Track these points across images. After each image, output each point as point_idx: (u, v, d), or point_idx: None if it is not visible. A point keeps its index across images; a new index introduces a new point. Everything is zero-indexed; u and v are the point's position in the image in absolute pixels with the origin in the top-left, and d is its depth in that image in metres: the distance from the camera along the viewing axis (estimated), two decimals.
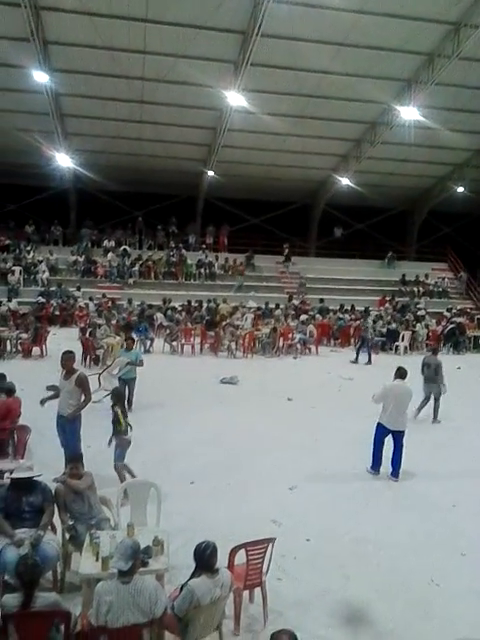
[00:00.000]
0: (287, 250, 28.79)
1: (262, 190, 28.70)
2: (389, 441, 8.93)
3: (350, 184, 27.47)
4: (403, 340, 20.73)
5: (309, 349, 19.57)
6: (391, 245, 31.07)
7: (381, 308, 25.37)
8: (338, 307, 23.63)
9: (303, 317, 21.14)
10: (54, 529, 5.81)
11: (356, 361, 18.20)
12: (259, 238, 29.48)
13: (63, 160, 25.24)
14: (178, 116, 23.17)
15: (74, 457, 6.33)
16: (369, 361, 18.19)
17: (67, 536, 5.68)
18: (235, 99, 20.33)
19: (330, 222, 31.06)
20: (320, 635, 5.10)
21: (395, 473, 8.83)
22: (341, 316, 22.70)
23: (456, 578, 6.15)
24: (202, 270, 26.85)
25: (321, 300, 24.62)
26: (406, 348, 20.57)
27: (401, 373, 9.04)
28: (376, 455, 8.94)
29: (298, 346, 19.26)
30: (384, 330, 21.27)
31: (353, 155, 26.68)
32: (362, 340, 18.87)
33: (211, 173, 27.10)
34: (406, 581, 6.04)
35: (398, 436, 8.82)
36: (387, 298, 26.63)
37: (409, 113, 20.72)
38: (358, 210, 30.67)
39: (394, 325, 21.57)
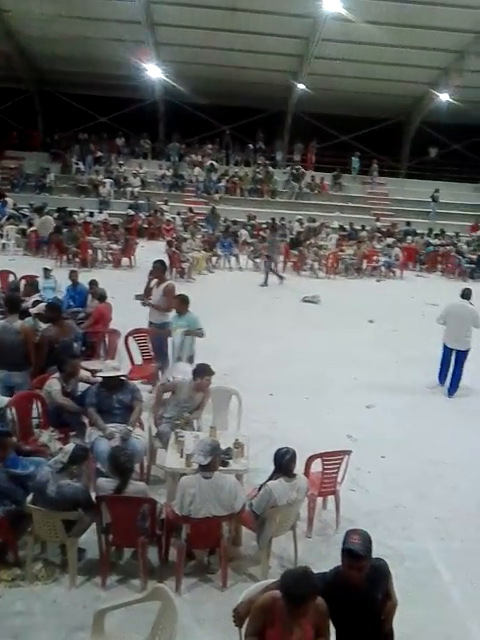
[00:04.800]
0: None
1: (353, 105, 27.24)
2: None
3: (450, 100, 25.54)
4: None
5: (394, 272, 19.12)
6: None
7: (473, 234, 24.18)
8: (427, 231, 22.72)
9: (389, 240, 20.55)
10: (142, 426, 6.19)
11: (265, 283, 16.14)
12: (348, 157, 28.31)
13: (153, 71, 24.87)
14: (270, 24, 22.05)
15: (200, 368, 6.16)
16: (280, 278, 16.45)
17: (154, 433, 6.05)
18: (331, 5, 19.04)
19: (424, 141, 29.20)
20: (391, 546, 5.26)
21: (450, 391, 9.06)
22: (430, 241, 21.86)
23: None
24: (288, 188, 26.37)
25: (408, 223, 23.67)
26: None
27: (464, 293, 9.22)
28: (442, 370, 9.24)
29: (382, 269, 18.86)
30: (474, 257, 20.34)
31: (455, 68, 24.64)
32: (268, 259, 16.48)
33: (301, 86, 25.93)
34: None
35: (458, 355, 8.96)
36: None
37: None
38: (456, 129, 28.48)
39: None
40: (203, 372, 6.03)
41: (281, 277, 16.55)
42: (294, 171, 26.71)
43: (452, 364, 9.11)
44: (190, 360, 7.62)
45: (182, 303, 7.78)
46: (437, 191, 26.56)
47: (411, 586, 4.70)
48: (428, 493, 6.25)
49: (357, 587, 3.37)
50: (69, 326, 7.50)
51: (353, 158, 27.95)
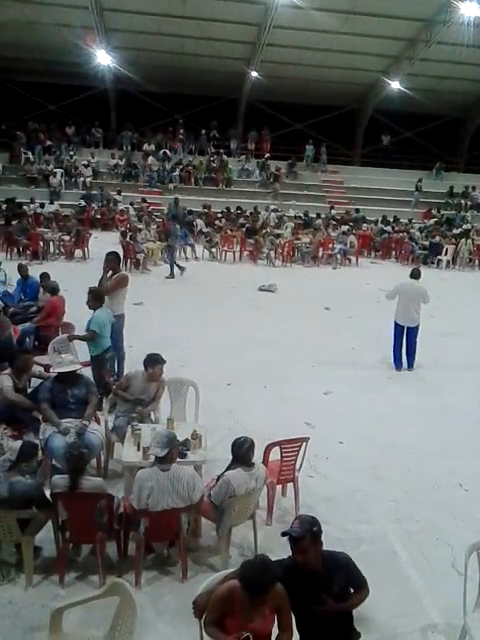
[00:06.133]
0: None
1: (307, 93, 27.36)
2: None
3: (401, 88, 25.88)
4: (446, 254, 20.22)
5: (349, 260, 19.31)
6: (441, 155, 29.67)
7: (426, 221, 24.61)
8: (380, 218, 23.02)
9: (344, 227, 20.73)
10: (98, 420, 6.10)
11: (171, 275, 15.35)
12: (303, 145, 28.38)
13: (103, 58, 24.38)
14: (221, 11, 21.93)
15: (150, 358, 6.02)
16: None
17: (110, 426, 5.97)
18: None
19: (377, 129, 29.56)
20: (348, 529, 5.34)
21: (410, 364, 9.56)
22: (384, 228, 22.15)
23: None
24: (243, 177, 26.39)
25: (357, 210, 23.89)
26: (449, 262, 20.11)
27: (414, 273, 9.67)
28: (395, 351, 9.61)
29: (338, 256, 19.03)
30: (427, 243, 20.72)
31: (405, 56, 24.99)
32: (170, 250, 15.96)
33: (255, 74, 25.88)
34: (435, 484, 6.23)
35: (410, 331, 9.44)
36: (433, 211, 25.77)
37: (470, 9, 19.07)
38: (408, 117, 29.05)
39: (437, 238, 20.96)
40: (154, 362, 5.95)
41: (181, 268, 15.59)
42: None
43: (405, 341, 9.52)
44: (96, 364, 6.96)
45: (93, 298, 7.11)
46: (420, 181, 27.21)
47: (369, 568, 4.68)
48: (384, 476, 6.34)
49: (312, 572, 3.42)
50: (4, 322, 7.34)
51: (307, 147, 28.01)
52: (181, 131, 27.28)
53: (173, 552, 4.91)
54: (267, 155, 27.20)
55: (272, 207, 23.11)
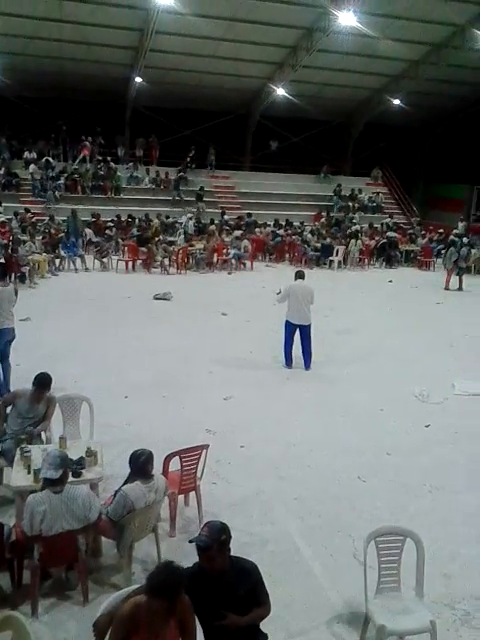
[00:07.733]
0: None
1: (195, 99, 27.38)
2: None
3: (286, 94, 26.60)
4: (337, 255, 20.93)
5: (244, 264, 19.53)
6: (327, 159, 30.72)
7: (316, 223, 25.36)
8: (272, 222, 23.47)
9: (237, 232, 20.94)
10: None
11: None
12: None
13: None
14: (101, 15, 21.46)
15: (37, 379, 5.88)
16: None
17: None
18: None
19: (266, 135, 30.16)
20: (253, 532, 5.34)
21: (306, 364, 9.78)
22: (277, 231, 22.59)
23: (380, 475, 6.51)
24: (133, 184, 25.96)
25: (249, 215, 24.16)
26: (340, 263, 20.82)
27: (300, 274, 9.99)
28: (286, 350, 9.87)
29: (233, 262, 19.18)
30: (319, 245, 21.34)
31: (289, 63, 25.64)
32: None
33: (139, 80, 25.63)
34: (335, 479, 6.37)
35: (304, 330, 9.71)
36: (322, 213, 26.62)
37: (346, 18, 19.90)
38: (294, 122, 29.80)
39: (328, 240, 21.66)
40: (40, 383, 5.76)
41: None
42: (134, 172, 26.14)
43: (299, 341, 9.79)
44: None
45: None
46: (339, 185, 27.93)
47: (275, 568, 4.79)
48: (286, 476, 6.41)
49: (219, 577, 3.39)
50: None
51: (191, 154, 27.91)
52: (89, 138, 26.27)
53: (72, 575, 4.68)
54: (180, 174, 26.69)
55: (189, 215, 23.00)
